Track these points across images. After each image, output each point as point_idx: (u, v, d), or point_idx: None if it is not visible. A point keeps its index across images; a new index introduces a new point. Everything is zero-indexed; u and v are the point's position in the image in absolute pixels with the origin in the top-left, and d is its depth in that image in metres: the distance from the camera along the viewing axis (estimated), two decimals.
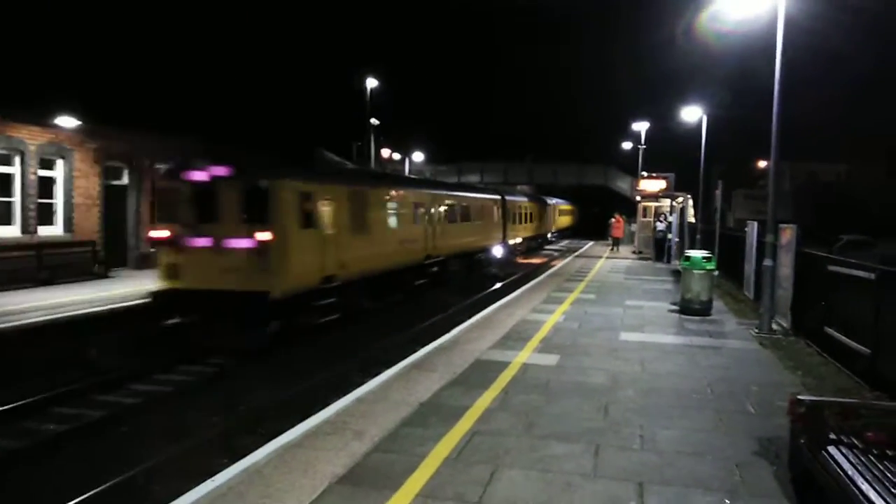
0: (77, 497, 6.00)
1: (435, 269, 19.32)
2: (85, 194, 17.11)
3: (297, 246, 11.78)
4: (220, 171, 11.46)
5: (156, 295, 11.56)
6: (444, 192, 21.49)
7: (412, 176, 28.38)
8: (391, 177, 21.71)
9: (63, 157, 16.59)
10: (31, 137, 15.68)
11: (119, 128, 18.06)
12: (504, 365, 8.07)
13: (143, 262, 18.87)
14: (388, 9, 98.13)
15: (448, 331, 10.59)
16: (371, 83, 35.73)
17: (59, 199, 16.60)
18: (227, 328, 11.05)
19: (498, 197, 28.57)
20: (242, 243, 11.18)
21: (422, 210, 18.47)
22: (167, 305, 11.41)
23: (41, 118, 15.75)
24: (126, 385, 9.85)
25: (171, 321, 11.27)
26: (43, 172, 16.15)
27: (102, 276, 16.58)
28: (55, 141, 16.30)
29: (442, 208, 20.20)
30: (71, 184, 16.71)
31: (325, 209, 12.79)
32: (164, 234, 11.66)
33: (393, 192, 16.90)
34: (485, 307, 13.36)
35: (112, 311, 12.29)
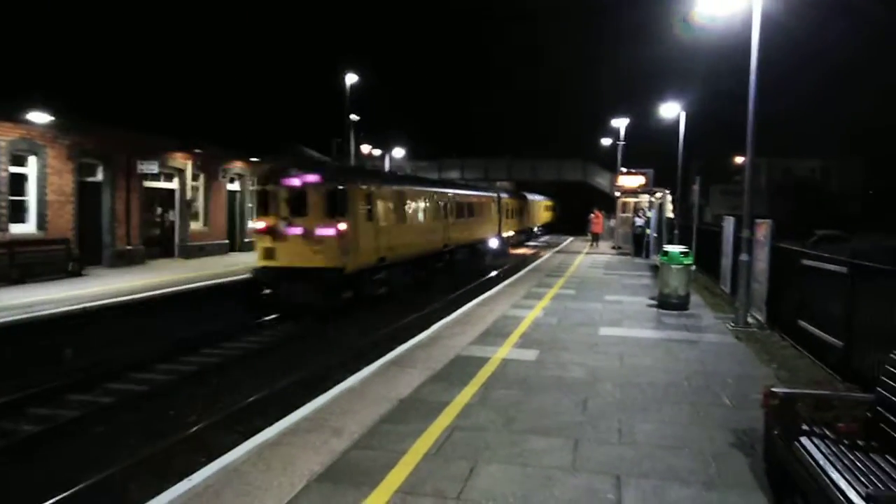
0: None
1: (448, 256, 23.49)
2: (58, 191, 16.79)
3: (363, 233, 15.65)
4: (312, 178, 15.29)
5: (256, 271, 15.29)
6: (458, 192, 25.59)
7: (434, 178, 32.49)
8: (422, 179, 25.50)
9: (35, 154, 16.26)
10: (2, 133, 15.33)
11: (93, 124, 17.73)
12: (484, 360, 8.09)
13: (119, 260, 18.59)
14: (367, 6, 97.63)
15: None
16: (351, 79, 35.54)
17: (31, 197, 16.26)
18: (312, 295, 14.65)
19: (495, 195, 32.05)
20: (326, 231, 14.88)
21: (442, 207, 22.47)
22: (265, 279, 15.05)
23: (12, 114, 15.40)
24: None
25: (266, 291, 15.02)
26: (14, 169, 15.81)
27: (77, 274, 16.29)
28: (27, 137, 15.96)
29: (455, 205, 24.23)
30: (44, 181, 16.38)
31: (380, 206, 16.75)
32: (263, 225, 15.36)
33: (424, 192, 21.07)
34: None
35: (85, 310, 12.08)
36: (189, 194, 22.00)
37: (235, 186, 25.11)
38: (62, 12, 27.15)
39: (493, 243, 30.43)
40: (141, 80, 26.57)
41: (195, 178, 22.42)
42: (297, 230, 15.03)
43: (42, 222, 16.34)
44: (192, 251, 21.82)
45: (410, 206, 19.45)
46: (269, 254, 15.24)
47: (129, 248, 19.10)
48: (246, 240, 25.47)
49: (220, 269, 18.21)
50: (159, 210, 21.27)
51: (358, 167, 21.19)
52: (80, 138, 17.37)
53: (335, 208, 15.01)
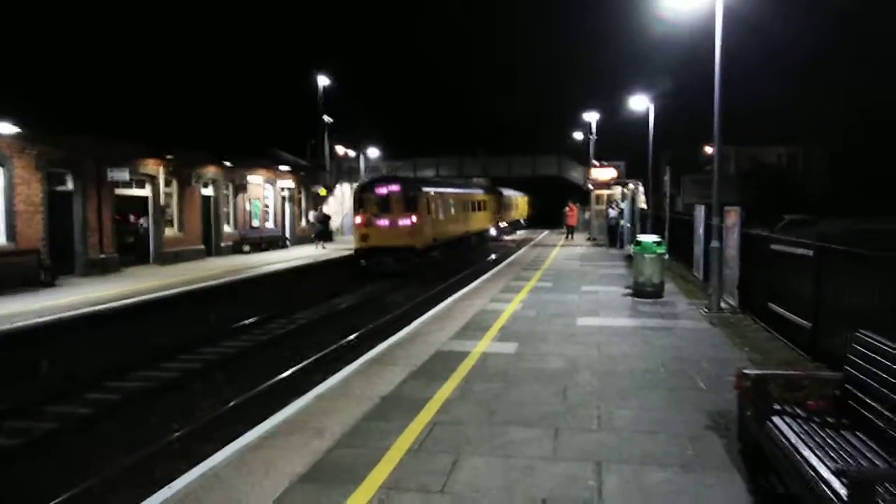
0: None
1: (468, 240, 32.20)
2: (27, 201, 16.43)
3: (426, 223, 23.89)
4: (394, 187, 23.53)
5: (356, 250, 23.33)
6: (472, 192, 34.37)
7: (456, 181, 39.42)
8: (454, 183, 33.71)
9: (2, 165, 15.89)
10: None
11: (61, 133, 17.36)
12: (464, 355, 8.11)
13: (92, 269, 18.26)
14: (338, 5, 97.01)
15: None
16: (323, 81, 35.31)
17: None
18: (394, 264, 22.73)
19: (494, 194, 40.57)
20: (404, 222, 22.99)
21: (464, 205, 31.01)
22: (362, 255, 23.10)
23: None
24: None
25: (363, 263, 22.97)
26: None
27: (49, 284, 15.98)
28: None
29: (472, 203, 32.98)
30: (11, 191, 16.02)
31: (434, 204, 25.19)
32: (360, 219, 23.35)
33: (455, 194, 29.67)
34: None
35: (60, 320, 11.85)
36: (162, 200, 21.70)
37: (209, 191, 24.81)
38: (27, 17, 26.55)
39: (493, 232, 39.69)
40: (109, 85, 26.11)
41: (168, 184, 22.11)
42: (385, 222, 23.00)
43: (11, 233, 15.99)
44: (168, 258, 21.53)
45: (449, 205, 28.04)
46: (364, 238, 23.13)
47: (102, 256, 18.77)
48: (222, 244, 25.18)
49: (198, 275, 18.00)
50: (132, 217, 20.93)
51: (421, 179, 30.22)
52: (48, 148, 17.02)
53: (410, 207, 23.07)
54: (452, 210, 28.53)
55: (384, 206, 23.14)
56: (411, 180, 25.75)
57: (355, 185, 43.54)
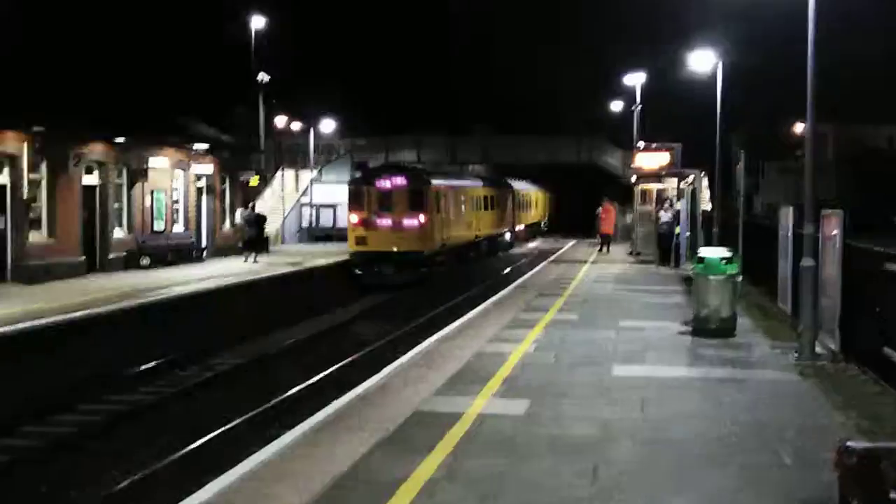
0: None
1: (475, 246, 36.27)
2: None
3: (435, 225, 27.33)
4: (399, 180, 27.24)
5: (352, 254, 26.68)
6: (482, 186, 38.25)
7: (450, 169, 44.36)
8: (448, 173, 38.19)
9: None
10: None
11: None
12: (454, 417, 8.10)
13: (24, 275, 17.92)
14: None
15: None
16: (258, 23, 35.27)
17: None
18: (399, 272, 26.31)
19: (505, 185, 44.57)
20: (411, 222, 26.27)
21: (474, 200, 35.07)
22: (358, 262, 26.28)
23: None
24: None
25: (358, 271, 26.14)
26: None
27: None
28: None
29: (482, 199, 36.86)
30: None
31: (444, 201, 28.71)
32: (357, 218, 26.72)
33: (466, 188, 33.69)
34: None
35: None
36: (26, 192, 21.56)
37: (94, 179, 24.68)
38: None
39: (508, 237, 44.82)
40: None
41: (34, 167, 21.96)
42: (387, 222, 26.12)
43: None
44: (34, 273, 21.29)
45: (460, 202, 31.95)
46: (360, 241, 26.28)
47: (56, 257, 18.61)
48: (111, 255, 24.98)
49: (73, 300, 17.82)
50: None
51: (425, 169, 34.15)
52: None
53: (417, 204, 26.25)
54: (463, 208, 32.21)
55: (386, 202, 26.53)
56: (419, 171, 29.71)
57: (300, 172, 43.90)
